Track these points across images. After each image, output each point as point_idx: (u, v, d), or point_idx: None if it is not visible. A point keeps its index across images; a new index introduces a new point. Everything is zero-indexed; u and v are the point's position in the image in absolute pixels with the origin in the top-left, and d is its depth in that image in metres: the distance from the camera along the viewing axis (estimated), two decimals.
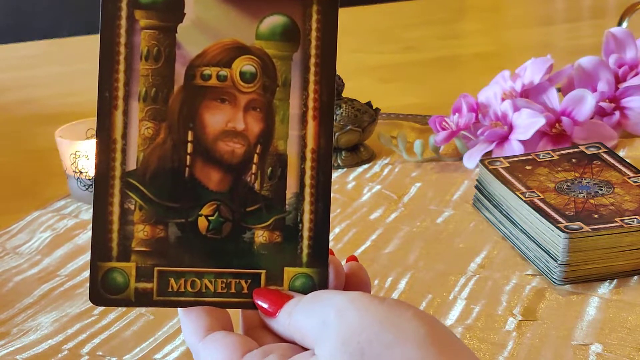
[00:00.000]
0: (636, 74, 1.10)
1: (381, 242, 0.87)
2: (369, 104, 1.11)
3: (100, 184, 0.45)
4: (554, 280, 0.76)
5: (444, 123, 1.06)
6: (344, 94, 1.10)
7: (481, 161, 0.92)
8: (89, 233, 0.93)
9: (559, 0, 2.08)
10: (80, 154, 0.97)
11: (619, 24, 1.29)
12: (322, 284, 0.45)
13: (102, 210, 0.45)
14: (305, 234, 0.45)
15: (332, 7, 0.46)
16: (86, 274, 0.84)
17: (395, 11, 2.02)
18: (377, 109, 1.11)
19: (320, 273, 0.45)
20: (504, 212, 0.86)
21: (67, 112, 1.27)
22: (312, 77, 0.45)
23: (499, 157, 0.93)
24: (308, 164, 0.45)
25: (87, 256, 0.88)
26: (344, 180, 1.04)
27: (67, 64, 1.72)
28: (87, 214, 0.98)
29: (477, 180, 0.93)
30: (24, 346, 0.72)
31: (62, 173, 1.02)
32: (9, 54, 1.84)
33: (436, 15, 1.98)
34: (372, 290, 0.77)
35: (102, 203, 0.45)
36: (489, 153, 1.03)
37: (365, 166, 1.08)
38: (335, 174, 1.06)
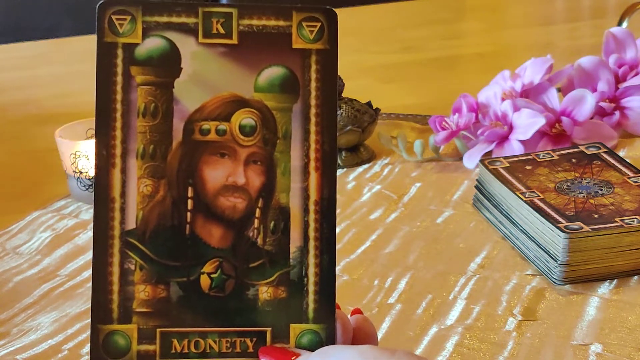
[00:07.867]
0: (636, 74, 1.10)
1: (381, 242, 0.87)
2: (369, 104, 1.11)
3: (100, 244, 0.44)
4: (554, 280, 0.76)
5: (444, 123, 1.06)
6: (344, 94, 1.10)
7: (481, 161, 0.92)
8: (90, 233, 0.93)
9: (559, 0, 2.08)
10: (80, 154, 0.97)
11: (619, 24, 1.29)
12: (330, 340, 0.44)
13: (101, 271, 0.44)
14: (311, 288, 0.44)
15: (330, 56, 0.45)
16: (86, 273, 0.84)
17: (395, 11, 2.02)
18: (377, 109, 1.11)
19: (328, 329, 0.44)
20: (504, 212, 0.86)
21: (67, 112, 1.27)
22: (312, 128, 0.45)
23: (499, 157, 0.93)
24: (311, 216, 0.45)
25: (87, 256, 0.88)
26: (344, 180, 1.04)
27: (67, 64, 1.72)
28: (87, 214, 0.98)
29: (477, 180, 0.93)
30: (24, 346, 0.72)
31: (62, 173, 1.02)
32: (9, 54, 1.84)
33: (436, 15, 1.98)
34: (372, 291, 0.77)
35: (101, 263, 0.44)
36: (489, 153, 1.03)
37: (365, 166, 1.08)
38: None
